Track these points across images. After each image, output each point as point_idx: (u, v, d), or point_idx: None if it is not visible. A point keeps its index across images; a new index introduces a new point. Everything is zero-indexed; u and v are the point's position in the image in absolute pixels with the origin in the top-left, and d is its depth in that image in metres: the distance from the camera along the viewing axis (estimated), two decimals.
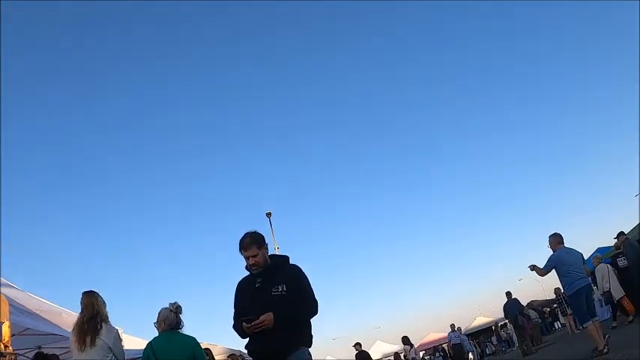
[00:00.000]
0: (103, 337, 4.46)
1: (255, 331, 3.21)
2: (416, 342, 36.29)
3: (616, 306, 12.85)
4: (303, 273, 3.56)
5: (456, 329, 22.91)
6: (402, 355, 23.50)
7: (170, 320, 4.74)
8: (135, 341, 7.61)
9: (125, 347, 4.88)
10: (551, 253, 7.88)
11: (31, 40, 45.32)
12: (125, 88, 54.59)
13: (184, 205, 61.61)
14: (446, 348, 32.43)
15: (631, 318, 11.69)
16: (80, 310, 4.65)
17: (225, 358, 11.90)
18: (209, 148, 60.98)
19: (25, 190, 45.44)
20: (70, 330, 6.73)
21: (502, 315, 18.39)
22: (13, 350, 5.48)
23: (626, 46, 49.70)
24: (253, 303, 3.35)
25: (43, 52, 46.10)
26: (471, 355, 27.14)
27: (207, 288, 63.38)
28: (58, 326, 6.92)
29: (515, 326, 15.90)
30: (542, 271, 7.91)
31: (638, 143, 43.66)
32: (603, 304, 14.56)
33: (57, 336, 7.02)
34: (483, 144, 64.60)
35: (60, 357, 7.11)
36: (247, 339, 3.40)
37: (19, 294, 6.73)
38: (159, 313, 4.78)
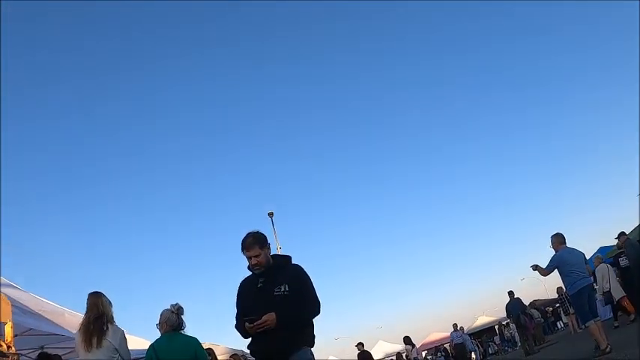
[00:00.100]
0: (109, 337, 4.49)
1: (258, 331, 3.21)
2: (418, 342, 36.34)
3: (616, 306, 12.88)
4: (306, 273, 3.56)
5: (458, 329, 22.93)
6: (404, 355, 23.51)
7: (172, 321, 4.77)
8: (138, 341, 7.62)
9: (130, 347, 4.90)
10: (554, 253, 7.90)
11: (32, 40, 45.45)
12: (126, 88, 54.72)
13: (186, 205, 61.68)
14: (448, 348, 32.44)
15: (633, 317, 11.70)
16: (85, 311, 4.67)
17: (228, 358, 11.90)
18: (210, 148, 61.05)
19: (26, 192, 45.61)
20: (72, 330, 6.78)
21: (505, 314, 18.39)
22: (16, 350, 5.50)
23: (625, 46, 49.59)
24: (256, 303, 3.35)
25: (42, 51, 46.20)
26: (473, 355, 27.15)
27: (209, 288, 63.44)
28: (60, 326, 6.94)
29: (518, 326, 15.88)
30: (545, 271, 7.95)
31: (638, 143, 43.63)
32: (604, 304, 14.58)
33: (60, 336, 7.04)
34: (485, 145, 64.57)
35: (62, 357, 7.12)
36: (250, 339, 3.40)
37: (21, 294, 6.75)
38: (160, 315, 4.82)
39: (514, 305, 15.50)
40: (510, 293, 15.69)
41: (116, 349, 4.51)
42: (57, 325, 6.93)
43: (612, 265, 13.43)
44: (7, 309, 5.42)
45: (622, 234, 12.52)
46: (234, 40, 58.62)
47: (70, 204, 51.71)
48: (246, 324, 3.24)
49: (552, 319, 31.79)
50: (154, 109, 55.31)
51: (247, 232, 3.55)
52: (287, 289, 3.35)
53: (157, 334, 4.88)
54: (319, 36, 61.14)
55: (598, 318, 7.72)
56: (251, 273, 3.55)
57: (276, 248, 16.40)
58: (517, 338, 24.24)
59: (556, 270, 7.87)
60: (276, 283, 3.38)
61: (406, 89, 63.70)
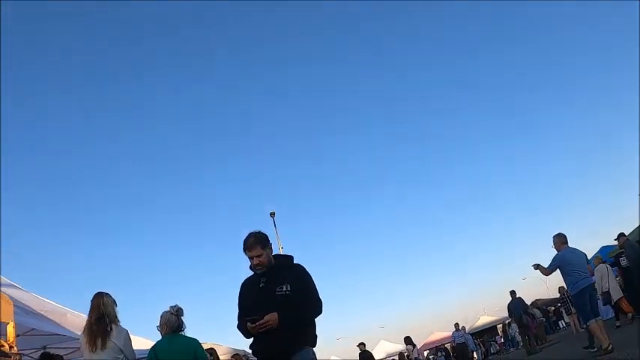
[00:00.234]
0: (114, 338, 4.51)
1: (260, 331, 3.22)
2: (420, 341, 36.40)
3: (614, 306, 12.92)
4: (308, 272, 3.56)
5: (460, 328, 22.93)
6: (406, 355, 23.50)
7: (172, 323, 4.81)
8: (142, 342, 7.64)
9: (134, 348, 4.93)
10: (556, 252, 7.92)
11: (35, 42, 45.51)
12: (125, 90, 54.74)
13: (188, 206, 61.73)
14: (448, 347, 32.43)
15: (630, 316, 11.72)
16: (89, 312, 4.69)
17: (230, 357, 11.92)
18: (210, 149, 61.09)
19: (28, 194, 45.69)
20: (74, 330, 6.80)
21: (506, 314, 18.38)
22: (18, 350, 5.51)
23: (626, 45, 49.50)
24: (257, 303, 3.35)
25: (45, 55, 46.30)
26: (475, 355, 27.14)
27: (211, 288, 63.53)
28: (62, 327, 6.95)
29: (520, 325, 15.88)
30: (547, 271, 7.97)
31: (638, 143, 43.58)
32: (602, 304, 14.61)
33: (62, 336, 7.05)
34: (485, 145, 64.49)
35: (65, 357, 7.14)
36: (252, 339, 3.40)
37: (23, 294, 6.75)
38: (161, 317, 4.86)
39: (516, 305, 15.50)
40: (512, 293, 15.69)
41: (121, 349, 4.53)
42: (59, 325, 6.94)
43: (613, 265, 13.47)
44: (9, 309, 5.43)
45: (621, 235, 12.60)
46: (234, 39, 58.69)
47: (74, 206, 51.80)
48: (248, 324, 3.24)
49: (554, 318, 31.75)
50: (154, 111, 55.42)
51: (249, 233, 3.55)
52: (289, 288, 3.34)
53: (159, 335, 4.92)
54: (321, 39, 61.13)
55: (600, 317, 7.77)
56: (253, 273, 3.55)
57: (278, 248, 16.44)
58: (518, 338, 24.27)
59: (558, 270, 7.91)
60: (278, 282, 3.38)
61: (407, 89, 63.72)
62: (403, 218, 72.74)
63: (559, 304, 27.55)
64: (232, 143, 61.48)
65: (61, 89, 49.33)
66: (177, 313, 4.86)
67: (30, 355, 7.47)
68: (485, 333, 38.01)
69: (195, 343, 4.90)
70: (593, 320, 7.52)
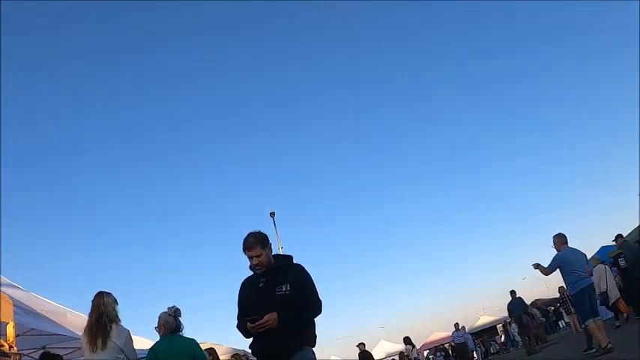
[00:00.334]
0: (114, 338, 4.50)
1: (259, 330, 3.22)
2: (420, 341, 36.41)
3: (613, 307, 12.93)
4: (307, 272, 3.56)
5: (459, 328, 22.92)
6: (406, 355, 23.51)
7: (170, 324, 4.86)
8: (144, 342, 7.63)
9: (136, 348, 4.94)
10: (556, 252, 7.94)
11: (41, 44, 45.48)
12: (133, 89, 54.72)
13: (187, 205, 61.70)
14: (448, 347, 32.43)
15: (625, 316, 11.71)
16: (89, 312, 4.70)
17: (230, 357, 11.91)
18: (209, 148, 61.08)
19: (30, 197, 45.70)
20: (74, 330, 6.79)
21: (506, 314, 18.36)
22: (18, 350, 5.50)
23: (625, 45, 49.50)
24: (257, 303, 3.35)
25: (45, 55, 46.23)
26: (475, 355, 27.14)
27: (211, 288, 63.55)
28: (62, 326, 6.93)
29: (520, 325, 15.89)
30: (547, 270, 7.99)
31: (638, 142, 43.56)
32: (600, 304, 14.64)
33: (62, 336, 7.04)
34: (484, 145, 64.49)
35: (64, 357, 7.13)
36: (251, 339, 3.41)
37: (23, 294, 6.74)
38: (159, 318, 4.91)
39: (516, 304, 15.50)
40: (512, 292, 15.69)
41: (121, 349, 4.52)
42: (59, 325, 6.93)
43: (613, 265, 13.50)
44: (8, 309, 5.42)
45: (619, 236, 12.65)
46: (234, 39, 58.64)
47: (74, 206, 51.78)
48: (248, 324, 3.24)
49: (554, 318, 31.75)
50: (154, 111, 55.39)
51: (248, 232, 3.55)
52: (288, 288, 3.35)
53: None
54: (328, 35, 61.06)
55: (599, 317, 7.78)
56: (252, 273, 3.55)
57: (278, 248, 16.41)
58: (517, 338, 24.26)
59: (558, 269, 7.91)
60: (277, 282, 3.38)
61: (408, 89, 63.69)
62: (403, 218, 72.77)
63: (559, 304, 27.56)
64: (231, 143, 61.49)
65: (61, 89, 49.30)
66: (174, 314, 4.90)
67: (30, 355, 7.47)
68: (485, 333, 38.00)
69: (193, 343, 4.94)
70: (591, 320, 7.54)
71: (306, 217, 68.00)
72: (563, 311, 24.82)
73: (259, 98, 61.09)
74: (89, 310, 4.72)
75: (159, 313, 4.94)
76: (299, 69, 60.68)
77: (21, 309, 6.05)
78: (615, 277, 12.95)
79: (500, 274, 74.25)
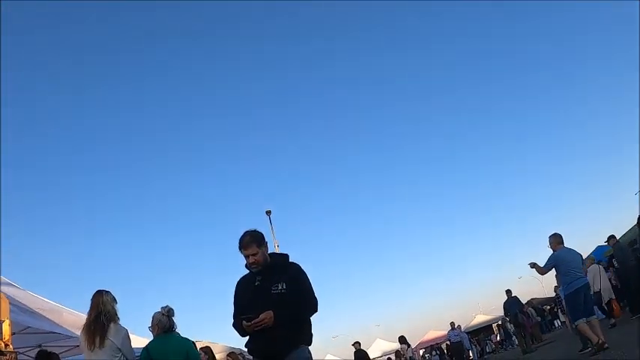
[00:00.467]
0: (112, 337, 4.51)
1: (255, 329, 3.22)
2: (416, 340, 36.47)
3: (607, 306, 12.98)
4: (303, 271, 3.56)
5: (455, 327, 22.94)
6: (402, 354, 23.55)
7: (163, 323, 4.91)
8: (143, 342, 7.63)
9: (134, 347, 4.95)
10: (551, 252, 7.97)
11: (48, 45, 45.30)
12: (132, 89, 54.56)
13: (186, 205, 61.60)
14: (443, 347, 32.49)
15: (613, 322, 11.66)
16: (88, 310, 4.70)
17: (226, 356, 11.90)
18: (209, 148, 60.96)
19: (30, 197, 45.56)
20: (70, 329, 6.79)
21: (502, 313, 18.40)
22: (14, 349, 5.49)
23: (625, 45, 49.60)
24: (253, 301, 3.35)
25: (45, 55, 46.06)
26: (470, 353, 27.19)
27: (207, 286, 63.45)
28: (58, 325, 6.93)
29: (516, 324, 15.92)
30: (543, 270, 8.02)
31: (638, 142, 43.64)
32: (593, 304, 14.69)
33: (57, 334, 7.03)
34: (483, 145, 64.56)
35: (60, 356, 7.12)
36: (247, 337, 3.41)
37: (19, 292, 6.72)
38: (152, 318, 4.96)
39: (512, 304, 15.53)
40: (508, 291, 15.72)
41: (119, 348, 4.53)
42: (55, 323, 6.92)
43: (609, 265, 13.56)
44: (4, 307, 5.41)
45: (611, 237, 12.69)
46: (233, 40, 58.53)
47: (73, 206, 51.65)
48: (244, 322, 3.24)
49: (550, 317, 31.86)
50: (151, 109, 55.25)
51: (244, 231, 3.55)
52: (284, 287, 3.35)
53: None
54: (328, 35, 60.97)
55: (595, 316, 7.81)
56: (248, 271, 3.55)
57: (274, 246, 16.41)
58: (514, 337, 24.33)
59: (553, 269, 7.95)
60: (273, 281, 3.38)
61: (408, 90, 63.69)
62: (400, 218, 72.82)
63: (554, 304, 27.66)
64: (231, 143, 61.41)
65: (61, 89, 49.14)
66: (168, 313, 4.96)
67: (25, 353, 7.46)
68: (481, 332, 38.08)
69: (188, 344, 5.00)
70: (582, 320, 7.58)
71: (306, 217, 68.13)
72: (559, 310, 24.90)
73: (259, 98, 60.98)
74: (88, 309, 4.73)
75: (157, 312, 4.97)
76: (299, 69, 60.63)
77: (17, 307, 6.04)
78: (610, 277, 13.01)
79: (496, 273, 74.51)
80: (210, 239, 64.58)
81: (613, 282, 12.90)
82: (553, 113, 60.95)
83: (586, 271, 8.91)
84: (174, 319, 5.00)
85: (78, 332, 5.91)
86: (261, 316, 3.19)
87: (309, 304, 3.47)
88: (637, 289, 11.52)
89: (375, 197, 70.48)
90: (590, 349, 7.95)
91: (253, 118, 62.28)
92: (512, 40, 59.32)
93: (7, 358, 5.13)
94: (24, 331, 6.74)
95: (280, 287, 3.35)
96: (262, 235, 3.57)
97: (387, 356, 34.83)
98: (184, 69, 56.70)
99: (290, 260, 3.65)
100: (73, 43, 48.70)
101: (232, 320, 3.50)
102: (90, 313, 4.65)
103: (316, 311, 3.51)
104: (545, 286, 39.94)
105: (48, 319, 6.86)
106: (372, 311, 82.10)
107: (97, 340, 4.46)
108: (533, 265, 8.05)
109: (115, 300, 4.77)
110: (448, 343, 26.66)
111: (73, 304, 7.73)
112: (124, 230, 56.10)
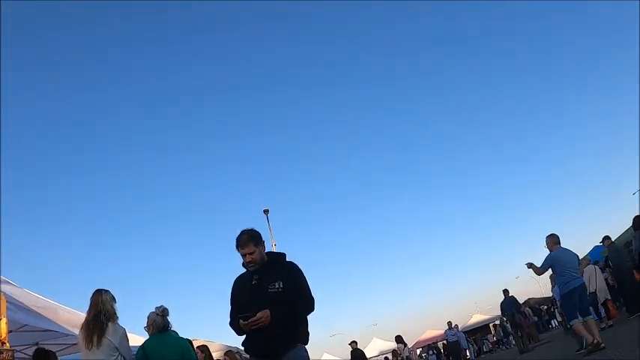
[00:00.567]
0: (110, 336, 4.52)
1: (252, 328, 3.22)
2: (413, 339, 36.54)
3: (603, 306, 13.02)
4: (300, 270, 3.57)
5: (452, 327, 22.99)
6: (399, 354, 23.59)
7: (158, 323, 4.97)
8: (141, 341, 7.63)
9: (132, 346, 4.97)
10: (548, 252, 8.00)
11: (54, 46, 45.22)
12: (132, 89, 54.49)
13: (186, 205, 61.58)
14: (440, 346, 32.54)
15: (611, 323, 11.69)
16: (88, 309, 4.71)
17: (223, 355, 11.91)
18: (207, 147, 60.93)
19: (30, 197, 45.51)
20: (67, 327, 6.78)
21: (499, 313, 18.43)
22: (11, 346, 5.49)
23: (625, 44, 49.66)
24: (250, 300, 3.35)
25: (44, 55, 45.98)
26: (467, 353, 27.24)
27: (204, 285, 63.46)
28: (55, 323, 6.92)
29: (513, 324, 15.96)
30: (539, 270, 8.06)
31: (638, 141, 43.75)
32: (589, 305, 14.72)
33: (54, 332, 7.02)
34: (481, 146, 64.64)
35: (57, 354, 7.11)
36: (244, 336, 3.41)
37: (16, 290, 6.71)
38: (147, 318, 5.01)
39: (509, 303, 15.57)
40: (505, 291, 15.76)
41: (116, 347, 4.53)
42: (52, 321, 6.91)
43: (605, 265, 13.58)
44: (1, 305, 5.41)
45: (606, 238, 12.73)
46: (231, 38, 58.49)
47: (73, 206, 51.61)
48: (241, 321, 3.25)
49: (546, 317, 31.93)
50: (151, 109, 55.21)
51: (242, 230, 3.55)
52: (281, 286, 3.36)
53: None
54: (320, 36, 60.96)
55: (591, 316, 7.84)
56: (245, 270, 3.56)
57: (271, 245, 16.40)
58: (510, 336, 24.38)
59: (550, 269, 7.98)
60: (270, 280, 3.39)
61: (409, 90, 63.74)
62: (397, 218, 72.85)
63: (551, 304, 27.73)
64: (231, 143, 61.40)
65: (61, 89, 49.08)
66: (162, 313, 5.01)
67: (22, 351, 7.45)
68: (478, 331, 38.14)
69: (184, 344, 5.05)
70: (577, 320, 7.62)
71: (306, 217, 68.10)
72: (555, 310, 24.96)
73: (259, 98, 60.93)
74: (87, 308, 4.74)
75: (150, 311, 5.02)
76: (299, 69, 60.57)
77: (14, 305, 6.04)
78: (607, 277, 13.03)
79: (493, 273, 74.63)
80: (207, 238, 64.51)
81: (610, 282, 12.91)
82: (553, 113, 61.02)
83: (582, 272, 8.92)
84: (169, 318, 5.05)
85: (75, 330, 5.92)
86: (258, 314, 3.19)
87: (306, 302, 3.47)
88: (633, 289, 11.56)
89: (373, 197, 70.52)
90: (586, 349, 7.97)
91: (253, 118, 62.29)
92: (512, 40, 59.34)
93: (4, 356, 5.13)
94: (21, 329, 6.73)
95: (277, 286, 3.35)
96: (259, 234, 3.58)
97: (384, 355, 34.89)
98: (184, 69, 56.64)
99: (287, 259, 3.65)
100: (73, 43, 48.63)
101: (229, 319, 3.50)
102: (89, 312, 4.66)
103: (313, 310, 3.51)
104: (542, 286, 39.98)
105: (45, 317, 6.86)
106: (369, 310, 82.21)
107: (95, 338, 4.47)
108: (530, 266, 8.07)
109: (114, 299, 4.78)
110: (445, 342, 26.77)
111: (73, 303, 7.72)
112: (124, 230, 56.04)
